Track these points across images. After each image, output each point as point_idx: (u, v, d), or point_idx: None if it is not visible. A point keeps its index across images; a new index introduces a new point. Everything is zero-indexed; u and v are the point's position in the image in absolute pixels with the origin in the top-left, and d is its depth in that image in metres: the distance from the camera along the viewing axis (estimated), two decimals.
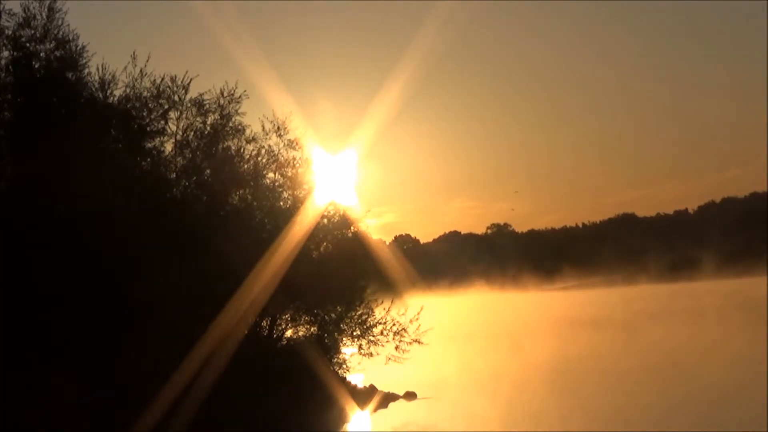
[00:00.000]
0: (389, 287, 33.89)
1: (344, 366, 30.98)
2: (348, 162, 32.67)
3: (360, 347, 30.75)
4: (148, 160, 27.83)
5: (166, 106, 27.83)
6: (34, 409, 21.70)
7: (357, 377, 32.33)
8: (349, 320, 30.64)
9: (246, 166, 29.40)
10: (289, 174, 30.08)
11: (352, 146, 33.72)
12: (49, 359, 22.60)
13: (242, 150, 29.33)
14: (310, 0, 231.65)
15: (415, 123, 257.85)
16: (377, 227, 38.25)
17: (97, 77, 27.17)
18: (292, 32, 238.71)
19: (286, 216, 29.18)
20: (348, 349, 31.26)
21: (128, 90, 27.47)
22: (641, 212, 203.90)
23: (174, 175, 28.30)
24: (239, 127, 29.05)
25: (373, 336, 30.69)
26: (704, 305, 79.60)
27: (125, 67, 27.40)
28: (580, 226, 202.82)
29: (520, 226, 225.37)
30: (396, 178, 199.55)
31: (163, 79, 27.63)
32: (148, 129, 27.63)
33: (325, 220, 30.85)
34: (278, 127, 29.72)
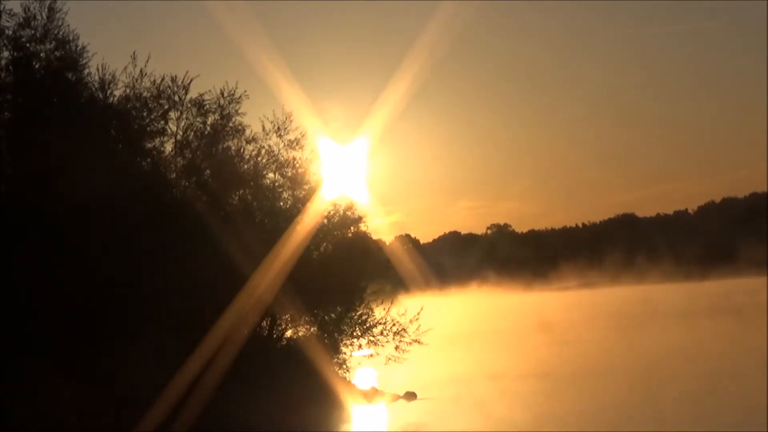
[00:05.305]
0: (400, 285, 33.89)
1: (344, 366, 31.00)
2: (357, 152, 32.71)
3: (360, 347, 30.79)
4: (148, 160, 27.83)
5: (166, 107, 27.85)
6: (34, 410, 21.69)
7: (357, 377, 32.33)
8: (349, 320, 30.67)
9: (246, 167, 29.42)
10: (290, 174, 30.12)
11: (359, 143, 33.81)
12: (49, 361, 22.58)
13: (242, 150, 29.37)
14: (319, 0, 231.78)
15: (421, 124, 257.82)
16: (384, 226, 38.19)
17: (97, 77, 27.22)
18: (299, 31, 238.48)
19: (286, 216, 29.21)
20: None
21: (128, 90, 27.52)
22: (641, 212, 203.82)
23: (174, 176, 28.31)
24: (239, 127, 29.12)
25: (373, 336, 30.72)
26: (705, 305, 79.61)
27: (125, 68, 27.45)
28: (580, 226, 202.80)
29: (520, 227, 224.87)
30: (402, 178, 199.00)
31: (163, 80, 27.69)
32: (148, 129, 27.64)
33: (326, 220, 30.86)
34: (278, 128, 29.76)
